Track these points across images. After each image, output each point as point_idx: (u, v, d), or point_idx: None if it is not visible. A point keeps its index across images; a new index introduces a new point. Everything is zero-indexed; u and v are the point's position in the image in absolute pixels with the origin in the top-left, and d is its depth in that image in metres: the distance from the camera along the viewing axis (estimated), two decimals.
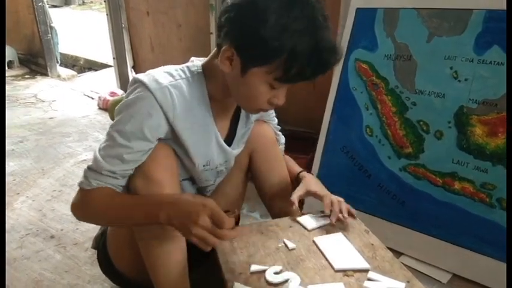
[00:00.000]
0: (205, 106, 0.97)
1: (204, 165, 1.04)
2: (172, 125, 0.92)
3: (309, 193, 1.13)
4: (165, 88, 0.89)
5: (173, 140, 0.97)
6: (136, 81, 0.91)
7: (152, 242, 0.96)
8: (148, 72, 0.94)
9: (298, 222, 1.09)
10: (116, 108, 0.92)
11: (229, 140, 1.08)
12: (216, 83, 0.96)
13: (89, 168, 0.91)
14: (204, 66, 0.98)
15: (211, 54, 0.99)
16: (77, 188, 0.94)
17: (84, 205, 0.93)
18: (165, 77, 0.92)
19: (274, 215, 1.23)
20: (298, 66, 0.81)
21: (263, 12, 0.78)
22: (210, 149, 1.03)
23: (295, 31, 0.78)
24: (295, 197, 1.10)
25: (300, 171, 1.22)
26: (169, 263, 0.96)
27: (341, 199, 1.10)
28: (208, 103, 0.98)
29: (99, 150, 0.91)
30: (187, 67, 0.97)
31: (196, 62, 1.00)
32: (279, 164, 1.22)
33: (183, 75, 0.94)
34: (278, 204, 1.21)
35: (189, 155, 1.00)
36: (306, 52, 0.80)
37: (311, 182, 1.16)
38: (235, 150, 1.11)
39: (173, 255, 0.97)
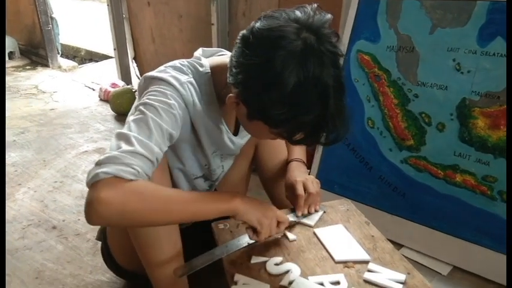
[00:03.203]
0: (214, 105, 0.98)
1: (214, 152, 1.08)
2: (191, 119, 0.94)
3: (286, 187, 1.11)
4: (185, 84, 0.91)
5: (188, 132, 0.99)
6: (154, 78, 0.90)
7: (147, 241, 0.95)
8: (158, 69, 0.93)
9: (300, 222, 1.07)
10: (135, 103, 0.89)
11: (236, 130, 1.09)
12: (222, 88, 0.94)
13: (129, 151, 0.76)
14: (212, 68, 0.96)
15: (221, 57, 1.00)
16: (84, 178, 0.89)
17: (134, 195, 0.76)
18: (179, 73, 0.92)
19: (273, 200, 1.25)
20: (302, 135, 0.79)
21: (276, 78, 0.72)
22: (222, 141, 1.05)
23: (304, 107, 0.74)
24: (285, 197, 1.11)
25: (290, 160, 1.19)
26: (164, 261, 0.95)
27: (313, 191, 1.06)
28: (216, 102, 0.97)
29: (133, 131, 0.80)
30: (195, 66, 0.95)
31: (204, 61, 0.97)
32: (281, 150, 1.23)
33: (192, 75, 0.94)
34: (277, 190, 1.22)
35: (202, 145, 1.03)
36: (311, 124, 0.76)
37: (291, 174, 1.12)
38: (243, 139, 1.11)
39: (168, 254, 0.96)
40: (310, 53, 0.72)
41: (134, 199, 0.76)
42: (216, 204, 0.87)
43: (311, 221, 1.06)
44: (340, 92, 0.76)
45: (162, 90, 0.87)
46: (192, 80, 0.93)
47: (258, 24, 0.77)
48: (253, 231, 0.92)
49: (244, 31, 0.80)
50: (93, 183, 0.74)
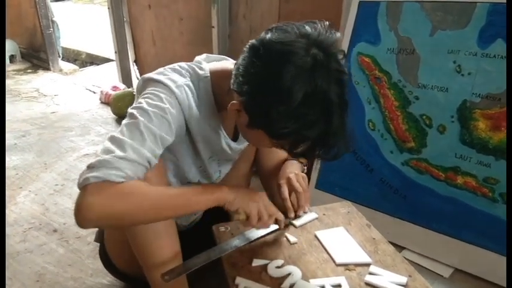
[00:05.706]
0: (212, 109, 0.97)
1: (210, 157, 1.08)
2: (187, 122, 0.93)
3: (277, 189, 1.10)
4: (181, 87, 0.90)
5: (183, 137, 0.98)
6: (151, 80, 0.90)
7: (145, 242, 0.94)
8: (157, 71, 0.93)
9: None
10: (130, 108, 0.88)
11: (235, 136, 1.08)
12: (221, 94, 0.94)
13: (121, 157, 0.77)
14: (212, 73, 0.96)
15: (222, 62, 1.00)
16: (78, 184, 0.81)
17: (120, 198, 0.77)
18: (178, 76, 0.92)
19: (274, 201, 1.24)
20: (303, 148, 0.79)
21: (284, 92, 0.72)
22: (219, 146, 1.04)
23: (309, 121, 0.74)
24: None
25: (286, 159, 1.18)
26: (163, 262, 0.94)
27: (300, 190, 1.03)
28: (214, 106, 0.97)
29: (126, 137, 0.80)
30: (194, 69, 0.95)
31: (204, 65, 0.97)
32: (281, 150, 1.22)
33: (190, 78, 0.94)
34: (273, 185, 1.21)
35: (198, 149, 1.02)
36: (313, 138, 0.77)
37: (280, 174, 1.10)
38: (241, 145, 1.11)
39: (167, 255, 0.95)
40: (319, 69, 0.73)
41: (121, 201, 0.77)
42: (205, 195, 0.88)
43: (298, 221, 1.06)
44: (344, 110, 0.77)
45: (157, 93, 0.88)
46: (189, 82, 0.93)
47: (268, 36, 0.77)
48: (246, 219, 0.93)
49: (253, 41, 0.79)
50: (83, 186, 0.76)
